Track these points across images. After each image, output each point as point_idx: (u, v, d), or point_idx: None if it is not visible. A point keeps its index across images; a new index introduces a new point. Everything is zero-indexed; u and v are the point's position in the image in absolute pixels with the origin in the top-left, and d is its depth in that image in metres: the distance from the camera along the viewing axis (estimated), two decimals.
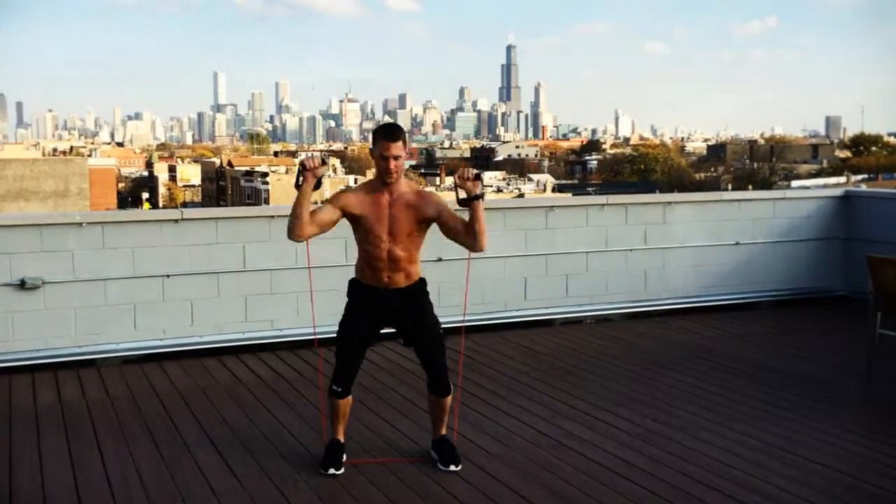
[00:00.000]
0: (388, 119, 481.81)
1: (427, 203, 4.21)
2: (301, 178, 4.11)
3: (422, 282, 4.40)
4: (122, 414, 5.21)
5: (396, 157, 4.13)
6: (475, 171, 4.21)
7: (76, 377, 5.97)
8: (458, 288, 7.14)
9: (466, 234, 4.17)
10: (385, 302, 4.29)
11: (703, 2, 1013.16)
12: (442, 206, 4.23)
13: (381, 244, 4.20)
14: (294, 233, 4.13)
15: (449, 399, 4.42)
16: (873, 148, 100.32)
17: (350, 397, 4.41)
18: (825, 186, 41.82)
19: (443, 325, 4.50)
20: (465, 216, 4.19)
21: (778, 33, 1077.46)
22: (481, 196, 4.13)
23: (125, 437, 4.80)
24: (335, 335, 4.41)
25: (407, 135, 4.31)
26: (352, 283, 4.44)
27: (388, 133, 4.15)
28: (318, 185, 4.16)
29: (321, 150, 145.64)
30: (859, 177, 65.76)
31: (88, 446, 4.66)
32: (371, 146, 4.25)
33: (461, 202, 4.15)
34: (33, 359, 6.12)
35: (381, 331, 4.44)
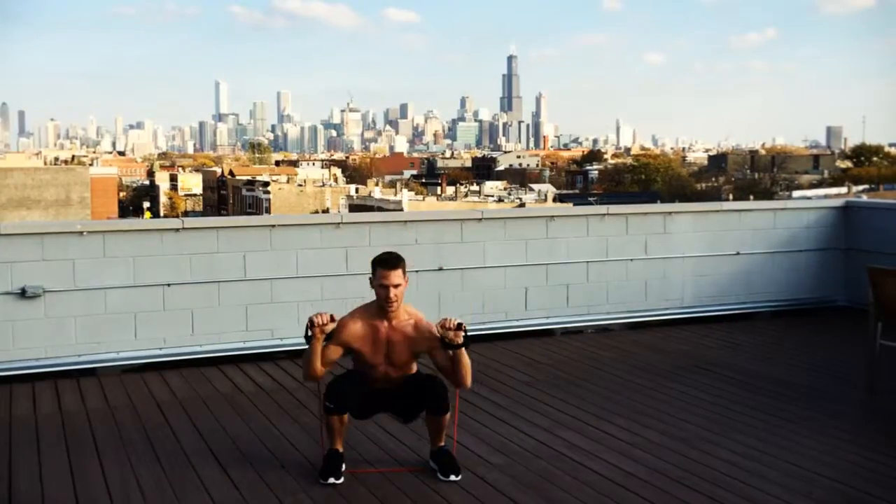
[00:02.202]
0: (388, 129, 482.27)
1: (421, 338, 4.35)
2: (310, 333, 4.24)
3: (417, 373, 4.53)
4: (122, 423, 5.21)
5: (396, 286, 4.24)
6: (458, 320, 4.28)
7: (76, 386, 5.97)
8: (458, 297, 7.17)
9: (452, 374, 4.34)
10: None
11: (699, 14, 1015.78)
12: (435, 343, 4.33)
13: (377, 367, 4.37)
14: (309, 381, 4.43)
15: (447, 417, 4.43)
16: (874, 158, 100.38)
17: (346, 415, 4.40)
18: (826, 197, 41.81)
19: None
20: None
21: (777, 44, 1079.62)
22: (465, 345, 4.24)
23: (125, 447, 4.79)
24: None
25: (405, 264, 4.38)
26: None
27: (386, 263, 4.28)
28: (327, 338, 4.29)
29: (322, 160, 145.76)
30: (860, 187, 65.77)
31: (88, 456, 4.66)
32: (370, 276, 4.33)
33: (444, 347, 4.27)
34: (34, 367, 6.12)
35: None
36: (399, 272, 4.27)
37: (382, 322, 4.31)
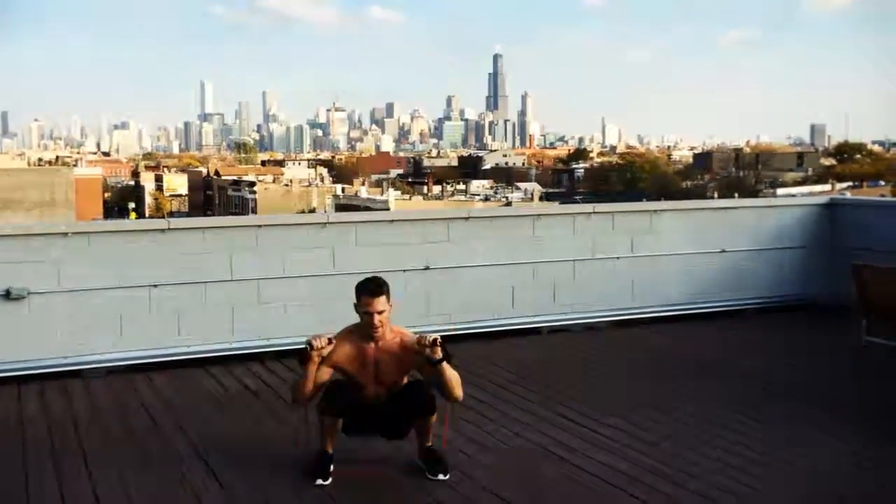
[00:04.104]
0: (374, 128, 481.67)
1: (408, 355, 4.35)
2: (306, 357, 4.27)
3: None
4: (108, 425, 5.18)
5: (380, 312, 4.26)
6: (433, 336, 4.29)
7: (63, 388, 5.93)
8: (445, 296, 7.17)
9: (444, 390, 4.34)
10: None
11: (681, 11, 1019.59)
12: (422, 357, 4.33)
13: (367, 388, 4.39)
14: (298, 403, 4.44)
15: (433, 417, 4.44)
16: (857, 156, 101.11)
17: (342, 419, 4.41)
18: (810, 194, 42.10)
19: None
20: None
21: (761, 42, 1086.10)
22: (445, 359, 4.26)
23: (112, 449, 4.77)
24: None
25: (389, 289, 4.38)
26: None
27: (369, 290, 4.29)
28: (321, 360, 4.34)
29: (308, 160, 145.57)
30: (844, 184, 66.26)
31: (75, 458, 4.63)
32: (355, 301, 4.34)
33: (430, 364, 4.27)
34: (19, 370, 6.07)
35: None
36: (383, 299, 4.28)
37: (369, 344, 4.34)
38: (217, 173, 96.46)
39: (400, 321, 4.55)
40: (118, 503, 4.07)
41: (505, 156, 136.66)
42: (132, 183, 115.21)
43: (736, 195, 55.29)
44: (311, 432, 4.55)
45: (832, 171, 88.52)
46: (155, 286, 6.45)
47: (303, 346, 4.28)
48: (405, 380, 4.49)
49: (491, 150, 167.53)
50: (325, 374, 4.36)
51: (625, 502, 4.07)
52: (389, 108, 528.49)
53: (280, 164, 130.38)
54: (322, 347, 4.26)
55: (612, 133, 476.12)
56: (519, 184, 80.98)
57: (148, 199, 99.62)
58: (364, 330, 4.34)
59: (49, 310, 6.20)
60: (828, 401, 5.69)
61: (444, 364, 4.26)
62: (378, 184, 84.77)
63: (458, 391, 4.33)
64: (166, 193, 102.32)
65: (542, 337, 7.51)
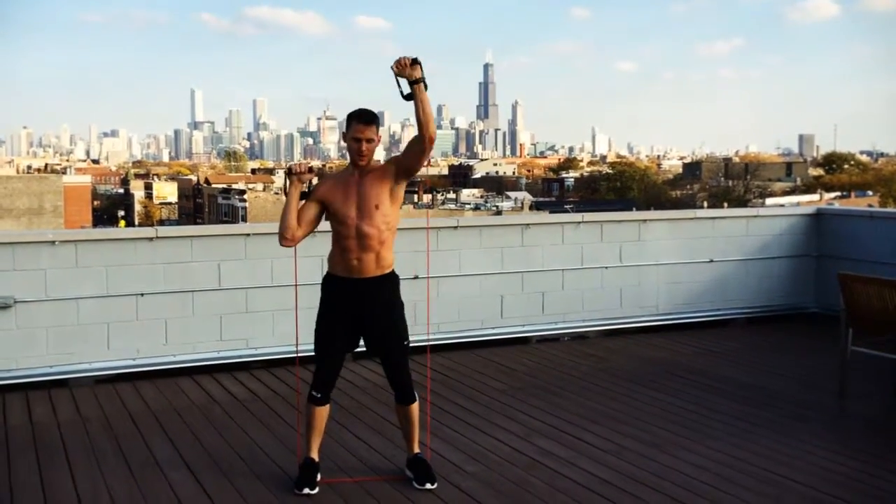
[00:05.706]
0: None
1: (384, 166, 4.33)
2: (288, 183, 4.29)
3: (393, 276, 4.44)
4: (94, 435, 5.16)
5: (369, 140, 4.26)
6: (412, 56, 4.17)
7: (48, 397, 5.90)
8: (434, 305, 7.16)
9: (416, 139, 4.20)
10: (356, 296, 4.32)
11: (666, 22, 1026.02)
12: (396, 157, 4.35)
13: (349, 221, 4.28)
14: (283, 238, 4.34)
15: (415, 407, 4.42)
16: (845, 166, 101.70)
17: (328, 407, 4.40)
18: (798, 204, 42.29)
19: (418, 343, 4.51)
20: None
21: (745, 52, 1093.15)
22: (422, 80, 4.12)
23: (97, 459, 4.75)
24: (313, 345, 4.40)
25: (379, 123, 4.37)
26: (325, 278, 4.47)
27: (361, 117, 4.28)
28: (305, 195, 4.32)
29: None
30: (832, 194, 66.64)
31: (60, 468, 4.61)
32: (345, 130, 4.33)
33: (406, 97, 4.16)
34: (4, 379, 6.04)
35: (358, 333, 4.41)
36: (373, 128, 4.28)
37: (353, 175, 4.32)
38: (207, 181, 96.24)
39: None
40: None
41: (495, 165, 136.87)
42: (122, 191, 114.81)
43: (725, 205, 55.53)
44: (298, 441, 4.53)
45: (820, 181, 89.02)
46: (142, 295, 6.43)
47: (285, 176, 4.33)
48: (390, 245, 4.38)
49: (482, 159, 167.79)
50: (311, 209, 4.33)
51: None
52: (380, 117, 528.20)
53: (270, 172, 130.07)
54: (301, 172, 4.29)
55: (602, 142, 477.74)
56: (509, 193, 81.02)
57: (137, 207, 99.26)
58: (348, 166, 4.34)
59: (35, 318, 6.17)
60: (812, 409, 5.71)
61: (422, 88, 4.09)
62: None
63: (433, 123, 4.15)
64: (156, 201, 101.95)
65: (531, 346, 7.51)
